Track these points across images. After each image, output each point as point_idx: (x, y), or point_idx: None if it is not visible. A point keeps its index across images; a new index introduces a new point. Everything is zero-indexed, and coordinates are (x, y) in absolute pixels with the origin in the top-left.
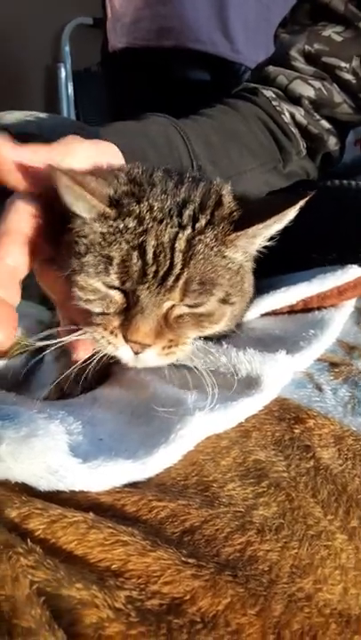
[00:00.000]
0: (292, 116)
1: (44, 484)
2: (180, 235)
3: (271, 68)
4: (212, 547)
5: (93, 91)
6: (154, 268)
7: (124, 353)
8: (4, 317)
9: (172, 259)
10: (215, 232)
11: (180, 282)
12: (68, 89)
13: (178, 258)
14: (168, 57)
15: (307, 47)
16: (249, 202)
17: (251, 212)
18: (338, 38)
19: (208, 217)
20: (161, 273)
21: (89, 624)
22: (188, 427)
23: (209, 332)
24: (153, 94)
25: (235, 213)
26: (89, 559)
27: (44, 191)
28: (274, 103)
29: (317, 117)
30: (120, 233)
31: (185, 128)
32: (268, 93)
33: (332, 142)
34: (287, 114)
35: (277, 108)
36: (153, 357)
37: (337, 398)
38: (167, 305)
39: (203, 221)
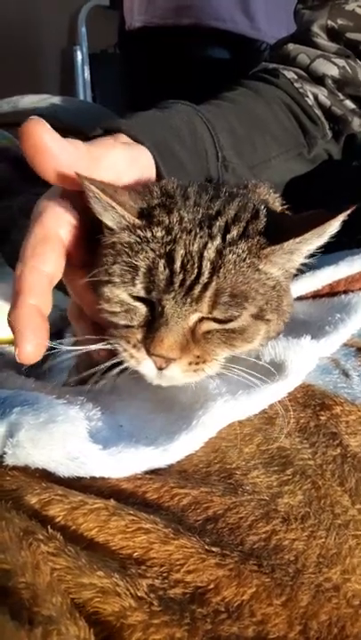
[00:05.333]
0: (316, 98)
1: (64, 470)
2: (210, 244)
3: (291, 46)
4: (236, 535)
5: (110, 73)
6: (181, 277)
7: (147, 368)
8: (36, 328)
9: (200, 267)
10: (249, 245)
11: (208, 292)
12: (84, 71)
13: (206, 266)
14: (186, 35)
15: (329, 22)
16: (287, 217)
17: (288, 227)
18: None
19: (241, 229)
20: (188, 282)
21: (111, 613)
22: (211, 413)
23: (241, 350)
24: (171, 74)
25: (271, 227)
26: (110, 547)
27: (80, 191)
28: (296, 85)
29: (341, 97)
30: (147, 242)
31: (209, 117)
32: (290, 74)
33: (357, 123)
34: (310, 95)
35: (300, 90)
36: (178, 374)
37: None
38: (194, 317)
39: (234, 233)
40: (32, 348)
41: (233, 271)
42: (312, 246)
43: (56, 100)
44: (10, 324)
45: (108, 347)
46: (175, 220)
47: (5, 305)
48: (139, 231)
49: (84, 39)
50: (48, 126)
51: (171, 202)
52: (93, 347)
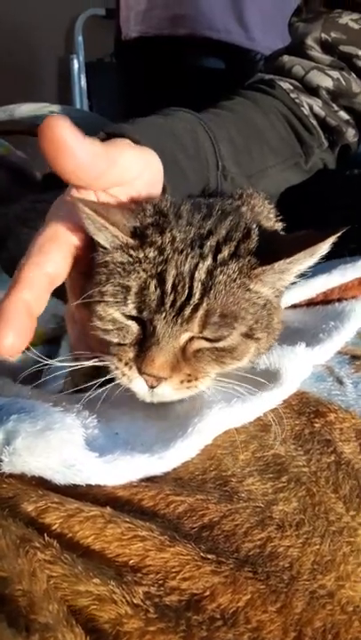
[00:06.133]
0: (311, 108)
1: (60, 477)
2: (201, 265)
3: (286, 58)
4: (232, 542)
5: (106, 81)
6: (172, 298)
7: (138, 386)
8: (21, 325)
9: (190, 288)
10: (240, 265)
11: (199, 313)
12: (80, 80)
13: (197, 287)
14: (181, 45)
15: (323, 35)
16: (279, 237)
17: (280, 247)
18: (355, 26)
19: (232, 249)
20: (179, 303)
21: (107, 620)
22: (206, 420)
23: (230, 368)
24: (166, 83)
25: (263, 247)
26: (106, 554)
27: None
28: (292, 95)
29: (336, 108)
30: (139, 263)
31: (211, 126)
32: (286, 85)
33: (351, 134)
34: (306, 106)
35: (296, 101)
36: (169, 391)
37: (358, 392)
38: (185, 337)
39: (225, 253)
40: (10, 343)
41: (223, 292)
42: (302, 266)
43: (54, 108)
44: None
45: (101, 364)
46: (168, 240)
47: None
48: (131, 251)
49: (81, 48)
50: (69, 123)
51: (164, 221)
52: (87, 363)
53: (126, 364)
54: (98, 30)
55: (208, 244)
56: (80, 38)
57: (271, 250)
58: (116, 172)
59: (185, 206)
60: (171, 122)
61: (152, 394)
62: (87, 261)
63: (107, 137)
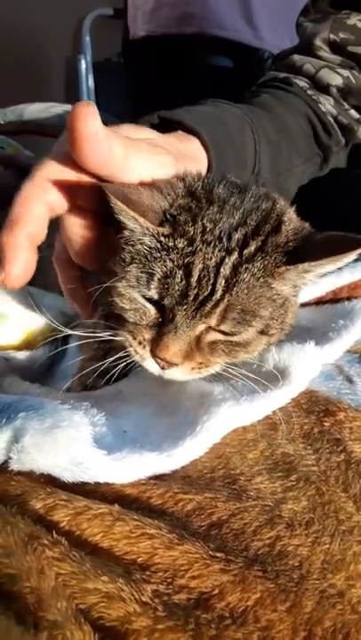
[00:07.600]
0: (324, 106)
1: (69, 475)
2: (227, 260)
3: (297, 57)
4: (241, 541)
5: (114, 81)
6: (195, 291)
7: (149, 365)
8: (28, 258)
9: (214, 284)
10: (265, 263)
11: (219, 308)
12: (88, 80)
13: (220, 283)
14: (189, 44)
15: (332, 36)
16: (310, 233)
17: (308, 246)
18: None
19: (260, 243)
20: (201, 297)
21: (115, 618)
22: (215, 418)
23: (240, 360)
24: (174, 83)
25: (291, 243)
26: (115, 552)
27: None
28: (309, 92)
29: (346, 107)
30: (167, 251)
31: (256, 128)
32: (302, 83)
33: None
34: (323, 103)
35: (313, 97)
36: (179, 375)
37: None
38: (201, 328)
39: (252, 247)
40: (17, 273)
41: (246, 290)
42: (325, 269)
43: (62, 108)
44: (1, 245)
45: (117, 338)
46: (198, 230)
47: (9, 313)
48: (162, 238)
49: (89, 48)
50: (97, 116)
51: (196, 206)
52: (102, 335)
53: (140, 343)
54: (105, 30)
55: (236, 236)
56: (88, 38)
57: (299, 247)
58: (129, 172)
59: (217, 189)
60: (221, 113)
61: (163, 372)
62: (89, 200)
63: (160, 121)
